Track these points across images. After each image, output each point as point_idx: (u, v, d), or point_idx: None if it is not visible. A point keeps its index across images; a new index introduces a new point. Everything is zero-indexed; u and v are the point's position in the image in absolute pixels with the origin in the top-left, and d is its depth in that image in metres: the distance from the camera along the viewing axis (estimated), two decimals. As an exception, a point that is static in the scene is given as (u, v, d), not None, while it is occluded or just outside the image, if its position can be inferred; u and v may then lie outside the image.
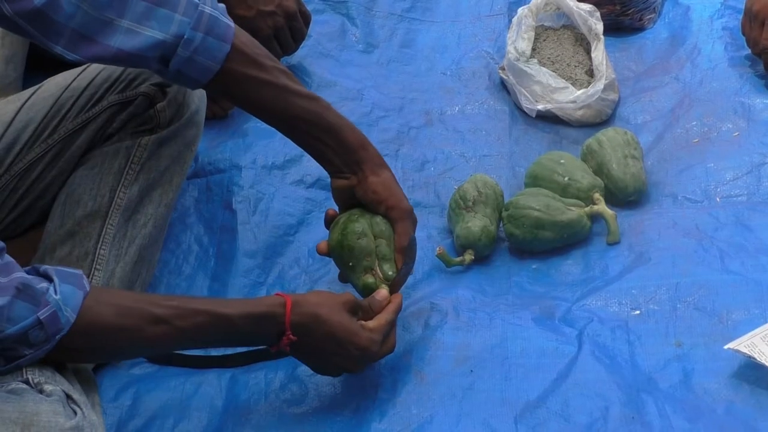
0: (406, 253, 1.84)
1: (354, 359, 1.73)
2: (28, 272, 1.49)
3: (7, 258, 1.47)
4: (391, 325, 1.78)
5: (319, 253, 1.89)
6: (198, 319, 1.60)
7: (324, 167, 1.85)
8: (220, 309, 1.63)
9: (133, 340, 1.57)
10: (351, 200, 1.85)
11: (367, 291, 1.81)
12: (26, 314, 1.45)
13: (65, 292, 1.48)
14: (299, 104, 1.77)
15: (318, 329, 1.68)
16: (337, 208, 1.89)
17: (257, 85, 1.74)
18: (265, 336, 1.68)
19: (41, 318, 1.46)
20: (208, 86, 1.73)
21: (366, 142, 1.83)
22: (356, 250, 1.82)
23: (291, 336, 1.66)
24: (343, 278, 1.89)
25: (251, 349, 1.79)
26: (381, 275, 1.82)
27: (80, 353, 1.55)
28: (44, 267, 1.51)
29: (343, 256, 1.84)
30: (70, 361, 1.57)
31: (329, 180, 1.92)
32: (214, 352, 1.87)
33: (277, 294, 1.70)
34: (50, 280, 1.49)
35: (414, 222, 1.85)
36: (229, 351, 1.84)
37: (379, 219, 1.83)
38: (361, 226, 1.82)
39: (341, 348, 1.70)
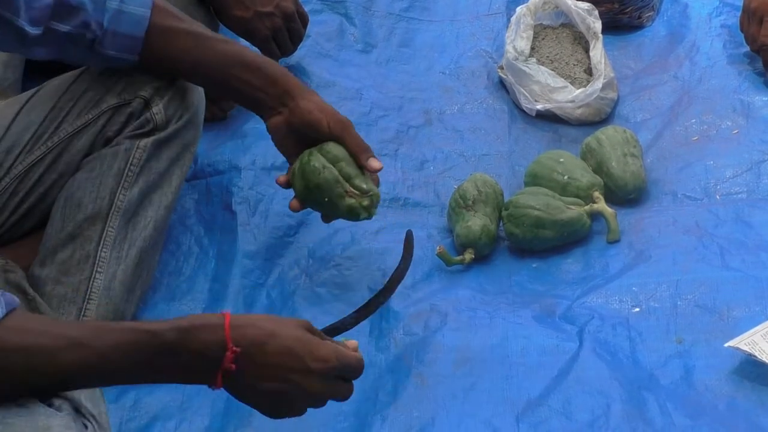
0: (404, 248, 1.84)
1: (313, 379, 1.48)
2: None
3: None
4: (353, 365, 1.53)
5: (294, 210, 1.93)
6: (117, 336, 1.41)
7: (256, 111, 1.89)
8: (144, 325, 1.46)
9: (44, 367, 1.39)
10: (290, 139, 1.89)
11: (354, 214, 1.87)
12: None
13: None
14: (221, 48, 1.84)
15: (268, 342, 1.45)
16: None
17: (182, 36, 1.83)
18: (202, 353, 1.42)
19: None
20: (142, 49, 1.80)
21: (287, 72, 1.88)
22: (323, 185, 1.86)
23: (233, 347, 1.42)
24: (328, 218, 1.94)
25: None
26: (358, 192, 1.86)
27: None
28: None
29: (316, 196, 1.88)
30: None
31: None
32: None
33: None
34: None
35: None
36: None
37: (327, 146, 1.87)
38: (315, 160, 1.86)
39: (301, 365, 1.46)
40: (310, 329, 1.50)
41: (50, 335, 1.39)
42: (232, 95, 1.92)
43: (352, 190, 1.86)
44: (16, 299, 1.40)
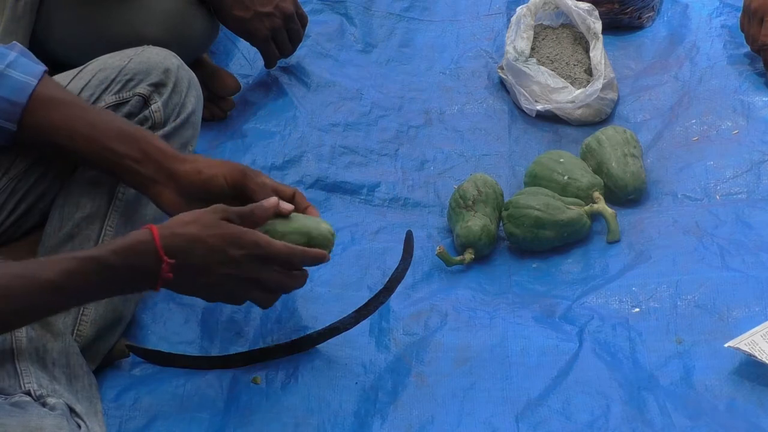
0: (404, 248, 1.84)
1: (244, 267, 1.62)
2: None
3: None
4: (282, 252, 1.66)
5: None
6: (63, 266, 1.51)
7: (139, 187, 1.78)
8: (85, 252, 1.56)
9: (5, 304, 1.48)
10: (191, 207, 1.70)
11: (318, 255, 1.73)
12: None
13: None
14: (99, 118, 1.75)
15: (195, 246, 1.59)
16: None
17: (63, 106, 1.72)
18: (140, 270, 1.56)
19: None
20: (21, 119, 1.71)
21: (163, 143, 1.77)
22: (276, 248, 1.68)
23: (167, 260, 1.56)
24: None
25: (252, 348, 1.78)
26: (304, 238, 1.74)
27: None
28: None
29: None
30: None
31: (328, 181, 1.91)
32: (215, 352, 1.87)
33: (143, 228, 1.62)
34: None
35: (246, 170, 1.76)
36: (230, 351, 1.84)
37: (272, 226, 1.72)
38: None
39: (226, 257, 1.60)
40: (228, 218, 1.62)
41: (3, 276, 1.47)
42: (110, 170, 1.77)
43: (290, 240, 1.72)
44: None
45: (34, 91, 1.70)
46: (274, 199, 1.70)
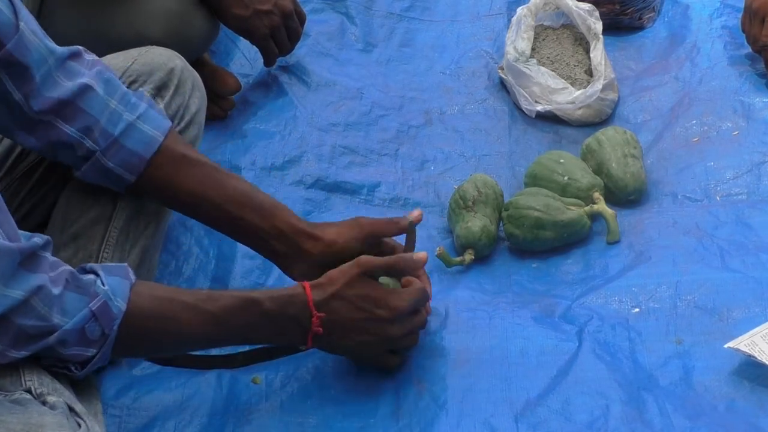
0: (407, 239, 1.85)
1: (387, 326, 1.72)
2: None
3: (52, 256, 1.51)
4: (420, 295, 1.77)
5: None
6: (225, 302, 1.63)
7: (272, 259, 1.85)
8: (245, 293, 1.68)
9: (173, 329, 1.60)
10: (320, 272, 1.76)
11: None
12: (79, 305, 1.50)
13: (112, 283, 1.54)
14: (232, 185, 1.80)
15: (342, 302, 1.68)
16: None
17: (193, 166, 1.78)
18: (293, 320, 1.67)
19: (93, 309, 1.51)
20: (143, 172, 1.75)
21: (294, 217, 1.83)
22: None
23: (317, 314, 1.66)
24: None
25: (253, 347, 1.79)
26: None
27: (132, 346, 1.59)
28: (89, 265, 1.57)
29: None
30: (125, 356, 1.66)
31: (328, 181, 1.90)
32: (215, 352, 1.87)
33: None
34: (96, 273, 1.55)
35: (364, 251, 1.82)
36: (231, 350, 1.84)
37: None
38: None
39: (371, 315, 1.70)
40: (371, 269, 1.72)
41: (173, 302, 1.60)
42: (235, 235, 1.85)
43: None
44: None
45: (160, 146, 1.74)
46: (423, 254, 1.80)
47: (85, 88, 1.69)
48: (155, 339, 1.61)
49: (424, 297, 1.78)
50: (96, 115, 1.70)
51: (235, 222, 1.80)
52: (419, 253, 1.80)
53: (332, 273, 1.71)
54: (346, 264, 1.72)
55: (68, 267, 1.52)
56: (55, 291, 1.47)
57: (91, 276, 1.54)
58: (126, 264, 1.60)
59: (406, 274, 1.80)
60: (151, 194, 1.81)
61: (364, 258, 1.73)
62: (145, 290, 1.59)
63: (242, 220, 1.80)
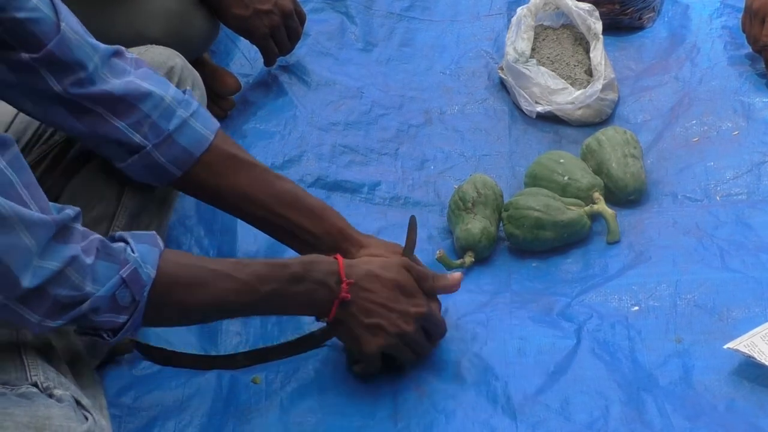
0: (408, 238, 1.86)
1: (406, 320, 1.71)
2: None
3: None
4: (439, 319, 1.80)
5: None
6: (254, 268, 1.63)
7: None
8: (275, 259, 1.72)
9: (202, 295, 1.60)
10: None
11: None
12: (109, 273, 1.51)
13: (142, 250, 1.55)
14: (279, 186, 1.82)
15: (374, 279, 1.69)
16: None
17: (243, 167, 1.79)
18: (322, 285, 1.66)
19: (123, 276, 1.52)
20: (189, 169, 1.77)
21: (344, 222, 1.85)
22: None
23: (347, 280, 1.66)
24: None
25: (254, 347, 1.79)
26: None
27: (163, 313, 1.59)
28: (118, 233, 1.59)
29: None
30: (156, 325, 1.70)
31: (328, 180, 1.91)
32: (213, 352, 1.87)
33: None
34: (125, 241, 1.56)
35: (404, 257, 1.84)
36: (232, 351, 1.84)
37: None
38: None
39: (397, 301, 1.70)
40: (410, 270, 1.74)
41: (202, 269, 1.61)
42: (279, 235, 1.85)
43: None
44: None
45: (211, 145, 1.76)
46: (458, 275, 1.83)
47: (136, 86, 1.71)
48: (185, 306, 1.61)
49: (444, 326, 1.81)
50: (148, 111, 1.72)
51: (282, 222, 1.82)
52: (455, 274, 1.83)
53: (369, 257, 1.76)
54: (387, 253, 1.79)
55: (98, 235, 1.53)
56: (88, 260, 1.48)
57: (121, 244, 1.55)
58: (153, 232, 1.61)
59: (438, 291, 1.80)
60: (192, 191, 1.83)
61: (407, 259, 1.77)
62: (174, 257, 1.60)
63: (291, 221, 1.81)
